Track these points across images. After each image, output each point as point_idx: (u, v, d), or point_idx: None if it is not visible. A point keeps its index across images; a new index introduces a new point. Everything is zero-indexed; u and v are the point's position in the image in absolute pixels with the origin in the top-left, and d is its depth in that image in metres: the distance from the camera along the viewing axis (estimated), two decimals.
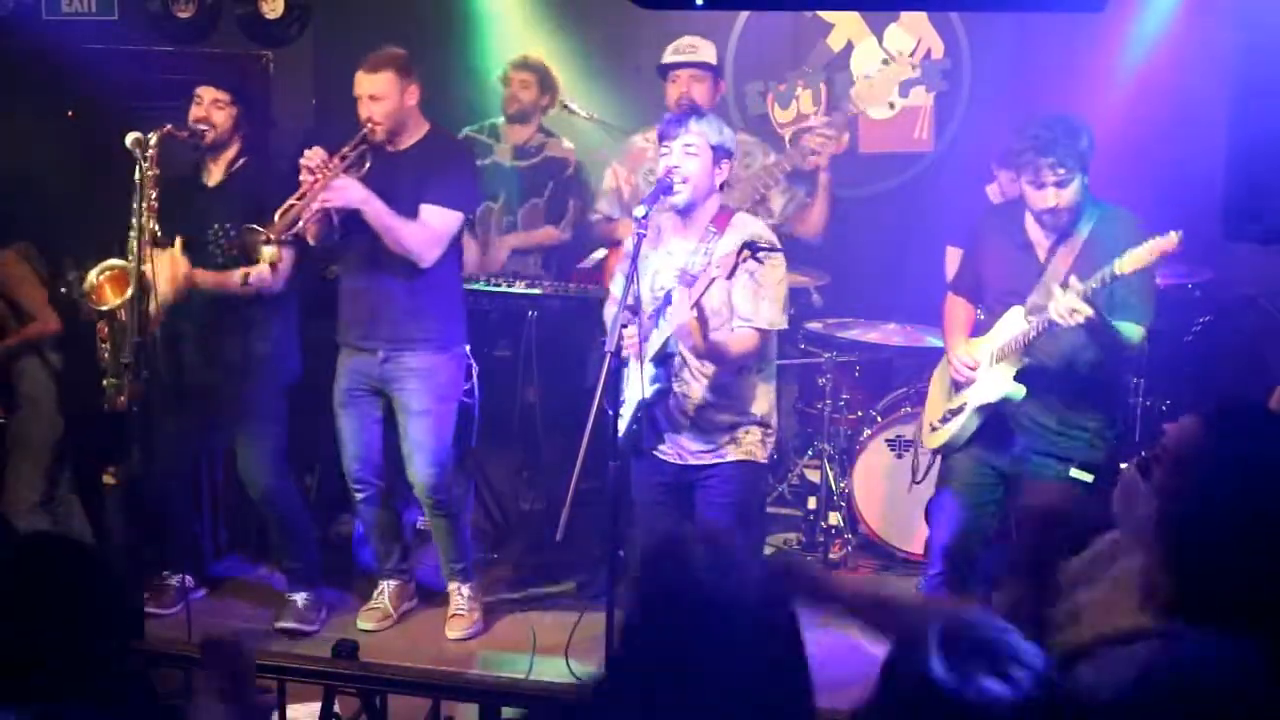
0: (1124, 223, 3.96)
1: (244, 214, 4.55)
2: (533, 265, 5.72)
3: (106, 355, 4.63)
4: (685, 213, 3.97)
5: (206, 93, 4.67)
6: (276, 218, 4.38)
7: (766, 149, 5.17)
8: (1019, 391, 3.99)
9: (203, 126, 4.63)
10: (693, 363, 3.97)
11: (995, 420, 4.08)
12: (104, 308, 4.59)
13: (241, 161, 4.75)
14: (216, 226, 4.69)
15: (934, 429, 4.31)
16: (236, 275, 4.62)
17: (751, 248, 3.56)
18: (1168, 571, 2.06)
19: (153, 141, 4.27)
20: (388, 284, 4.65)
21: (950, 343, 4.28)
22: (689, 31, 5.22)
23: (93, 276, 4.59)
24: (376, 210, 4.49)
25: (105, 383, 4.59)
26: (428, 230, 4.58)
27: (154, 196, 4.29)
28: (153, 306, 4.23)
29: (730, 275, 3.60)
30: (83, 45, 5.71)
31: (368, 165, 4.54)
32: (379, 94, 4.55)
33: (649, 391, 3.84)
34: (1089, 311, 3.68)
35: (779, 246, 3.91)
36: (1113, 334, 3.85)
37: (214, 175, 4.77)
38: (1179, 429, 2.19)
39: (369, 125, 4.54)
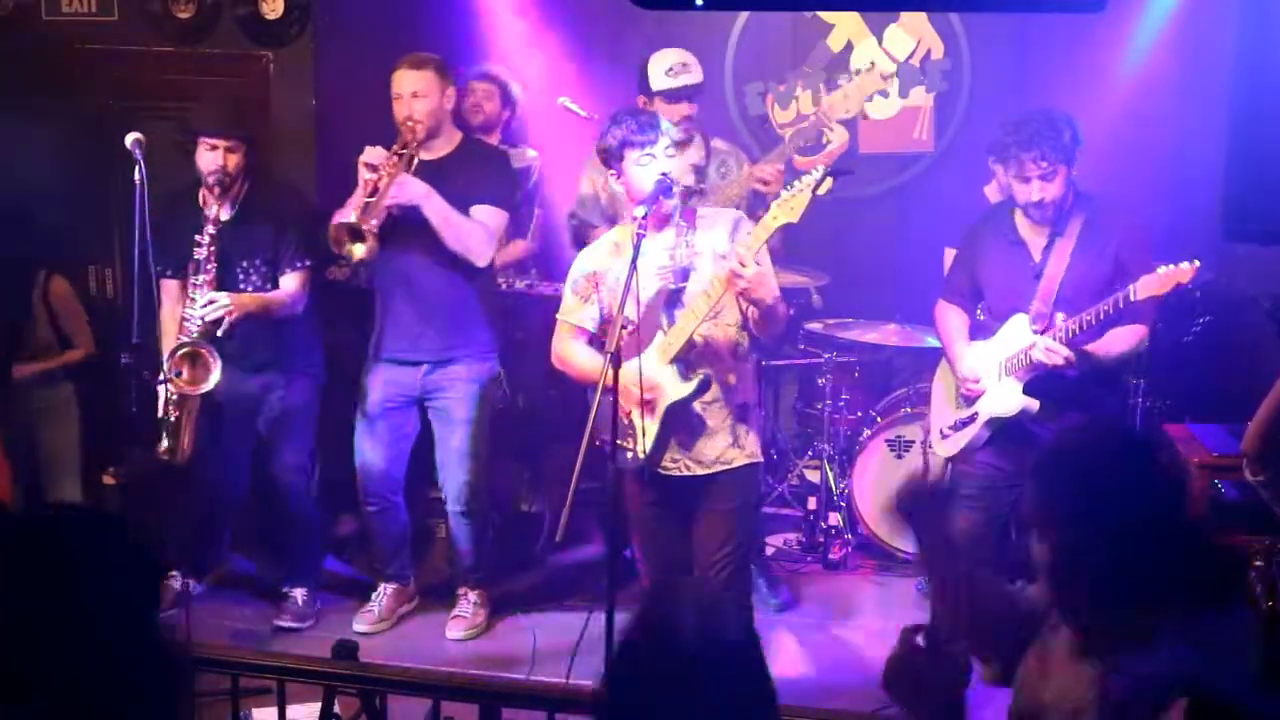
0: (1115, 218, 4.06)
1: (263, 243, 4.64)
2: (532, 273, 5.67)
3: (171, 414, 4.55)
4: (668, 212, 3.93)
5: (219, 141, 4.58)
6: (355, 215, 4.37)
7: (742, 157, 5.05)
8: (1034, 405, 4.07)
9: (221, 174, 4.57)
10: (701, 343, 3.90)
11: (1005, 424, 4.15)
12: (202, 389, 4.49)
13: (245, 189, 4.69)
14: (245, 263, 4.66)
15: (944, 436, 4.36)
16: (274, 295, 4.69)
17: (834, 172, 3.61)
18: (1074, 617, 2.18)
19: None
20: (437, 295, 4.63)
21: (953, 354, 4.30)
22: (685, 36, 5.16)
23: (168, 367, 4.48)
24: (439, 206, 4.46)
25: (166, 440, 4.53)
26: (484, 228, 4.57)
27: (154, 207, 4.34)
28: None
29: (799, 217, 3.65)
30: (83, 45, 5.72)
31: (414, 168, 4.51)
32: (421, 91, 4.52)
33: (689, 389, 3.80)
34: (1068, 354, 3.89)
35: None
36: (1100, 363, 4.00)
37: (222, 210, 4.63)
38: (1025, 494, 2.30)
39: (409, 124, 4.49)
